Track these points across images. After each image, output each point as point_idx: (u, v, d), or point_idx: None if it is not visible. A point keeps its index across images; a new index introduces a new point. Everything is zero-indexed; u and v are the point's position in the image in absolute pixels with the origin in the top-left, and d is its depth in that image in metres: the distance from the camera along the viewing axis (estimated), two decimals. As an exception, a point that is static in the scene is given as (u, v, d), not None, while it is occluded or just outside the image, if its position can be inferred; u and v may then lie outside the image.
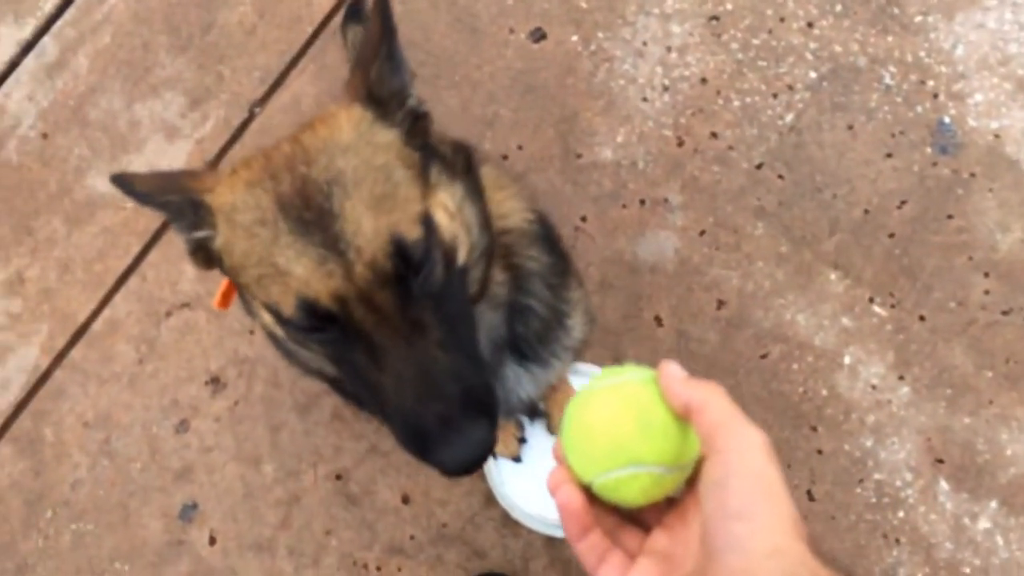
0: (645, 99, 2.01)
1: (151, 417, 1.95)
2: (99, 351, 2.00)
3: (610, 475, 0.67)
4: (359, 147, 0.86)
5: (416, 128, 0.93)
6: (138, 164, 2.09)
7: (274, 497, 1.88)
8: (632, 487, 0.67)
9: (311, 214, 0.82)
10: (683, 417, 0.67)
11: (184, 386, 1.95)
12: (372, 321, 0.84)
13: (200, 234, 0.91)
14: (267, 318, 0.91)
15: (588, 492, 0.69)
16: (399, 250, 0.83)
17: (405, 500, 1.85)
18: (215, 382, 1.95)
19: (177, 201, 0.91)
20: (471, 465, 0.84)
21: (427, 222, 0.87)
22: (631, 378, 0.71)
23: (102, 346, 2.00)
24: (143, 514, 1.90)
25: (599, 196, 1.95)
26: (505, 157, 1.99)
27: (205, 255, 0.93)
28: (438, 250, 0.88)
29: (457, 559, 1.80)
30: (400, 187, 0.86)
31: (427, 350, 0.84)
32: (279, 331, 0.92)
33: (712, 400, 0.65)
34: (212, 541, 1.87)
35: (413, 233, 0.84)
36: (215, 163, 2.07)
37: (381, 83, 0.91)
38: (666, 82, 2.02)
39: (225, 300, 1.01)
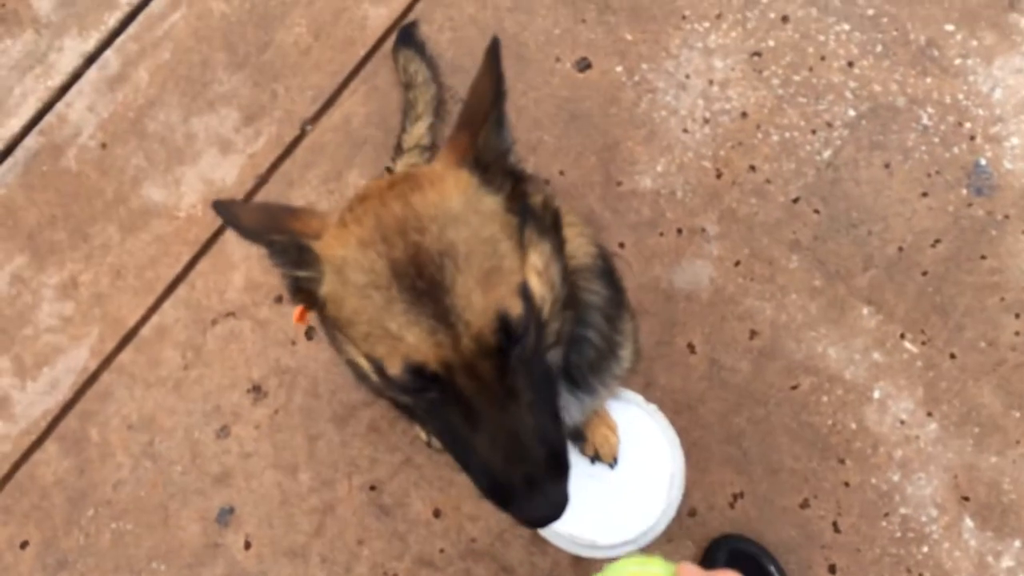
0: (686, 130, 2.06)
1: (193, 422, 2.01)
2: (146, 356, 2.06)
3: None
4: (468, 217, 0.89)
5: (516, 191, 0.96)
6: (192, 176, 2.16)
7: (309, 505, 1.93)
8: None
9: (423, 283, 0.85)
10: None
11: (226, 393, 2.01)
12: (472, 387, 0.89)
13: (302, 274, 0.94)
14: (363, 363, 0.95)
15: None
16: (503, 325, 0.87)
17: (436, 514, 1.89)
18: (256, 390, 2.00)
19: (282, 241, 0.94)
20: (551, 521, 0.91)
21: (525, 292, 0.91)
22: (655, 571, 0.77)
23: (150, 351, 2.06)
24: (182, 516, 1.96)
25: (638, 224, 2.00)
26: (547, 182, 2.04)
27: (306, 297, 0.96)
28: (533, 319, 0.92)
29: (485, 574, 1.84)
30: (504, 259, 0.89)
31: (519, 414, 0.90)
32: (370, 373, 0.96)
33: None
34: (247, 545, 1.92)
35: (516, 309, 0.89)
36: (266, 177, 2.13)
37: (488, 148, 0.94)
38: (707, 115, 2.06)
39: (303, 316, 1.05)
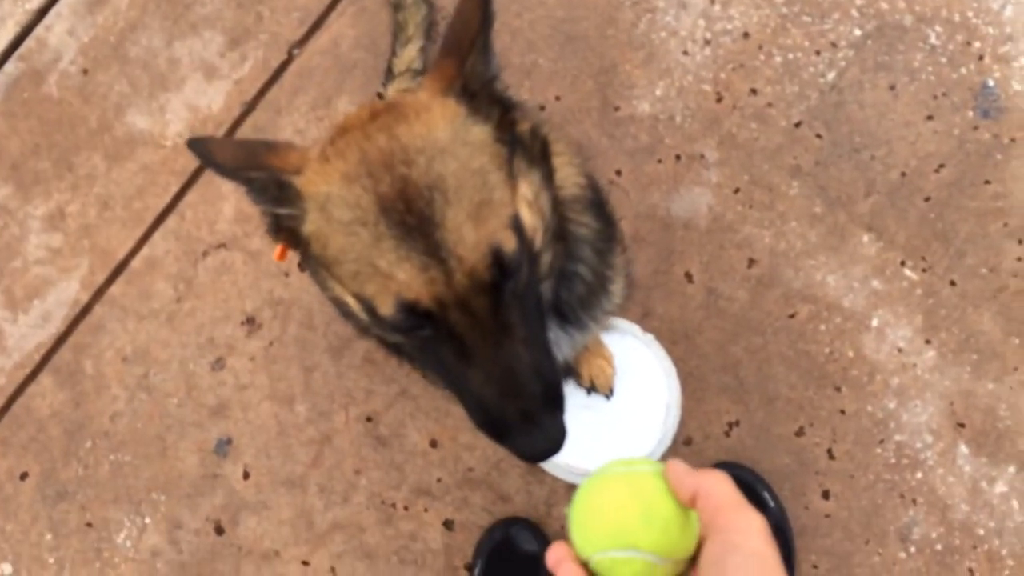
0: (686, 52, 1.99)
1: (188, 354, 2.00)
2: (138, 288, 2.04)
3: (607, 554, 0.73)
4: (456, 148, 0.86)
5: (504, 120, 0.93)
6: (177, 103, 2.10)
7: (306, 436, 1.93)
8: (626, 570, 0.72)
9: (413, 219, 0.82)
10: (689, 505, 0.72)
11: (220, 325, 2.00)
12: (466, 323, 0.87)
13: (284, 211, 0.91)
14: (352, 302, 0.93)
15: (587, 569, 0.75)
16: (497, 260, 0.85)
17: (433, 444, 1.89)
18: (250, 322, 1.99)
19: (261, 178, 0.91)
20: (549, 455, 0.90)
21: (517, 225, 0.88)
22: (642, 469, 0.77)
23: (141, 283, 2.04)
24: (179, 448, 1.97)
25: (635, 150, 1.95)
26: (543, 108, 1.98)
27: (289, 236, 0.94)
28: (526, 252, 0.90)
29: (482, 502, 1.86)
30: (495, 191, 0.87)
31: (513, 349, 0.88)
32: (358, 311, 0.94)
33: (717, 485, 0.70)
34: (246, 476, 1.94)
35: (510, 243, 0.86)
36: (253, 103, 2.08)
37: (475, 76, 0.90)
38: (708, 36, 2.00)
39: (284, 254, 1.02)
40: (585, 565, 0.74)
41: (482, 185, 0.85)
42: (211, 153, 0.92)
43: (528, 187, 0.93)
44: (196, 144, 0.94)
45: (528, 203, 0.92)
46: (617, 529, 0.73)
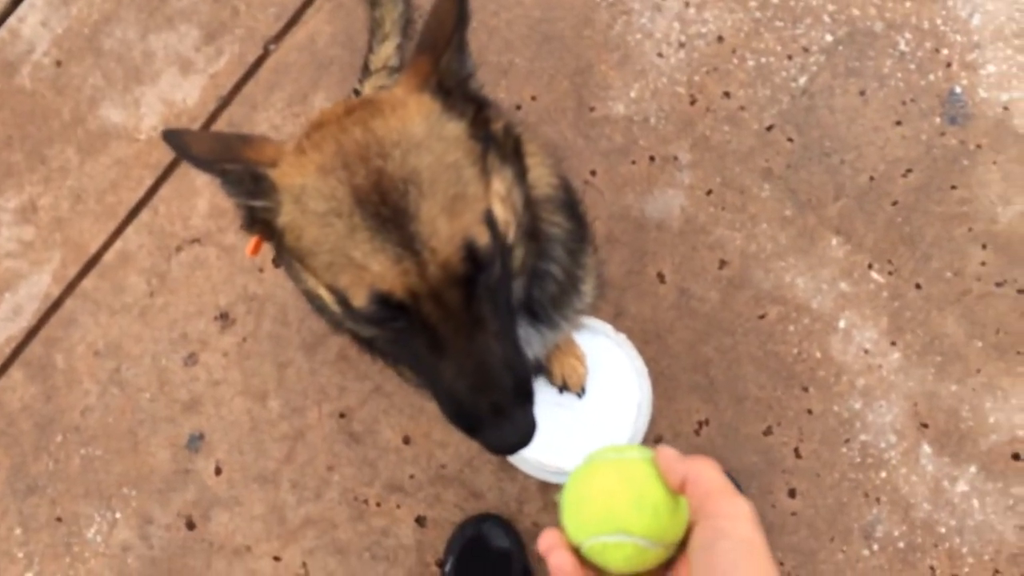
0: (660, 55, 2.01)
1: (160, 349, 1.99)
2: (110, 282, 2.03)
3: (599, 539, 0.73)
4: (431, 143, 0.87)
5: (478, 117, 0.94)
6: (152, 96, 2.09)
7: (279, 432, 1.94)
8: (617, 554, 0.73)
9: (387, 210, 0.84)
10: (678, 490, 0.73)
11: (193, 320, 1.99)
12: (439, 316, 0.88)
13: (258, 204, 0.92)
14: (324, 295, 0.94)
15: (578, 555, 0.75)
16: (471, 254, 0.86)
17: (406, 440, 1.90)
18: (224, 318, 1.99)
19: (236, 171, 0.92)
20: (518, 448, 0.92)
21: (490, 220, 0.90)
22: (633, 456, 0.77)
23: (113, 277, 2.03)
24: (151, 443, 1.96)
25: (610, 151, 1.97)
26: (519, 107, 2.00)
27: (263, 227, 0.94)
28: (499, 247, 0.91)
29: (455, 499, 1.87)
30: (469, 186, 0.88)
31: (485, 343, 0.90)
32: (331, 304, 0.95)
33: (705, 472, 0.71)
34: (218, 471, 1.94)
35: (483, 237, 0.88)
36: (228, 99, 2.07)
37: (450, 73, 0.91)
38: (682, 38, 2.02)
39: (257, 249, 1.03)
40: (577, 551, 0.75)
41: (456, 179, 0.87)
42: (187, 145, 0.93)
43: (501, 183, 0.94)
44: (172, 136, 0.94)
45: (501, 199, 0.93)
46: (608, 514, 0.73)
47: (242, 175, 0.92)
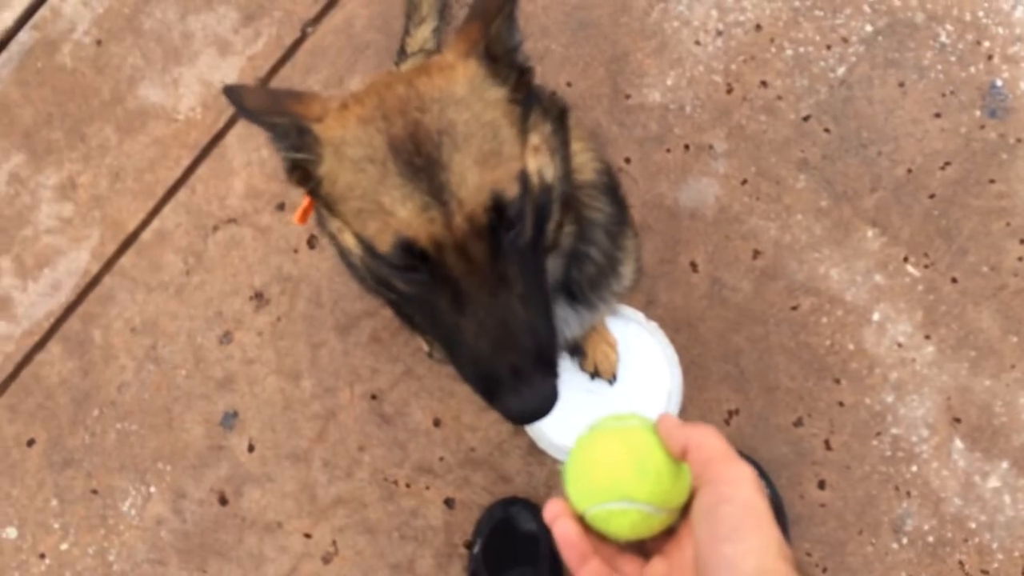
0: (698, 42, 2.00)
1: (196, 327, 2.02)
2: (148, 260, 2.05)
3: (603, 506, 0.75)
4: (471, 102, 0.89)
5: (520, 82, 0.95)
6: (190, 77, 2.11)
7: (311, 411, 1.96)
8: (622, 521, 0.74)
9: (420, 160, 0.86)
10: (680, 457, 0.74)
11: (229, 299, 2.02)
12: (462, 269, 0.89)
13: (302, 156, 0.95)
14: (351, 242, 0.96)
15: (583, 523, 0.76)
16: (497, 206, 0.87)
17: (436, 423, 1.92)
18: (259, 297, 2.01)
19: (284, 124, 0.95)
20: (536, 416, 0.91)
21: (523, 179, 0.91)
22: (634, 424, 0.78)
23: (151, 255, 2.05)
24: (186, 419, 1.99)
25: (644, 139, 1.97)
26: (554, 94, 1.99)
27: (302, 175, 0.97)
28: (530, 208, 0.92)
29: (483, 482, 1.88)
30: (504, 144, 0.90)
31: (509, 302, 0.90)
32: (357, 253, 0.97)
33: (707, 438, 0.72)
34: (251, 448, 1.96)
35: (512, 191, 0.89)
36: (266, 81, 2.09)
37: (499, 41, 0.93)
38: (720, 26, 2.01)
39: (305, 216, 1.05)
40: (581, 519, 0.76)
41: (492, 137, 0.89)
42: (242, 99, 0.96)
43: (538, 136, 0.96)
44: (231, 91, 0.97)
45: (535, 148, 0.95)
46: (612, 482, 0.74)
47: (289, 128, 0.95)
